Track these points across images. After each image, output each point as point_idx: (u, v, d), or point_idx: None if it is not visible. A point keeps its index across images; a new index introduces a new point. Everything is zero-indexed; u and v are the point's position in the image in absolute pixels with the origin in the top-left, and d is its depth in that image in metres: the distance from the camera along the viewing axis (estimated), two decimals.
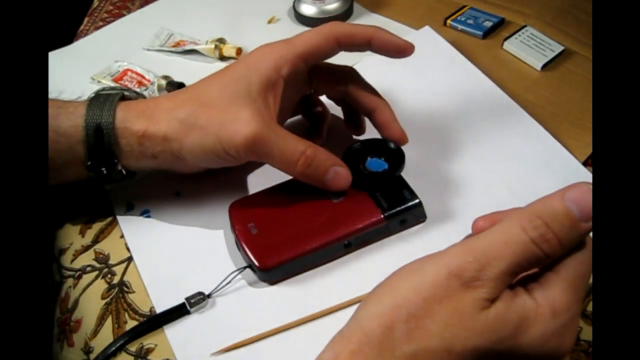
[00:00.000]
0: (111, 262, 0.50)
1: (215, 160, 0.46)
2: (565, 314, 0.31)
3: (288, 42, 0.47)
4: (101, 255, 0.51)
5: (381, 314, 0.31)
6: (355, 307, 0.33)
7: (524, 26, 0.65)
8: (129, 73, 0.66)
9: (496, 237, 0.31)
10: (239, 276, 0.47)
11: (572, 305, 0.31)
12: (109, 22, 0.75)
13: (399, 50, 0.47)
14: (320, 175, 0.46)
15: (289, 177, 0.51)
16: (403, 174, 0.49)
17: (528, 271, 0.32)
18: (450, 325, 0.30)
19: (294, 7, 0.71)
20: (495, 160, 0.53)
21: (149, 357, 0.44)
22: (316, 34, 0.46)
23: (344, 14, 0.70)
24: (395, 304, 0.31)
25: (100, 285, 0.49)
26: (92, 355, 0.45)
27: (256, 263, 0.45)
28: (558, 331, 0.30)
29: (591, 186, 0.31)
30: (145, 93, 0.64)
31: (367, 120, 0.53)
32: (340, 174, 0.46)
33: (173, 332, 0.45)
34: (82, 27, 0.77)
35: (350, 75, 0.51)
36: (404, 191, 0.48)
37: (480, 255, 0.30)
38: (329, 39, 0.46)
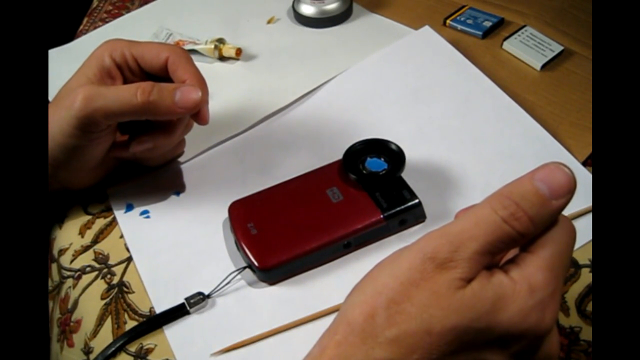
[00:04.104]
0: (111, 262, 0.50)
1: (86, 137, 0.47)
2: (543, 290, 0.31)
3: (130, 41, 0.51)
4: (101, 256, 0.51)
5: (362, 302, 0.32)
6: None
7: (524, 26, 0.65)
8: None
9: (468, 220, 0.32)
10: (239, 276, 0.47)
11: (550, 282, 0.31)
12: (108, 22, 0.75)
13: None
14: (168, 99, 0.46)
15: (289, 178, 0.51)
16: (402, 173, 0.49)
17: (504, 251, 0.33)
18: (428, 306, 0.30)
19: (293, 7, 0.71)
20: (495, 160, 0.53)
21: (148, 358, 0.44)
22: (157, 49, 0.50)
23: (344, 14, 0.70)
24: (375, 291, 0.32)
25: (100, 285, 0.49)
26: (92, 356, 0.45)
27: (256, 263, 0.45)
28: (537, 307, 0.31)
29: (560, 164, 0.32)
30: None
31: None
32: (186, 89, 0.47)
33: (173, 332, 0.45)
34: (81, 27, 0.77)
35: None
36: (403, 191, 0.48)
37: (453, 238, 0.31)
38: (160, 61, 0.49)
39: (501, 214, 0.31)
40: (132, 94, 0.46)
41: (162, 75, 0.50)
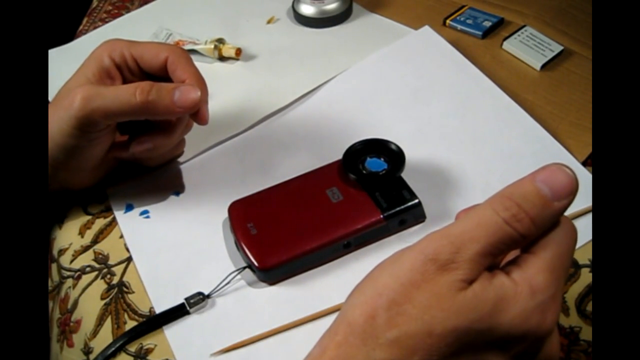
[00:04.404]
0: (110, 262, 0.50)
1: (85, 137, 0.47)
2: (544, 292, 0.31)
3: (130, 41, 0.51)
4: (100, 256, 0.51)
5: (363, 303, 0.32)
6: None
7: (523, 26, 0.65)
8: None
9: (470, 221, 0.32)
10: (239, 276, 0.47)
11: (551, 284, 0.31)
12: (108, 22, 0.75)
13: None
14: (167, 99, 0.46)
15: (289, 178, 0.51)
16: (402, 173, 0.49)
17: (506, 252, 0.33)
18: (429, 308, 0.30)
19: (293, 7, 0.71)
20: (495, 160, 0.53)
21: (148, 358, 0.44)
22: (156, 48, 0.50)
23: (343, 14, 0.70)
24: (375, 292, 0.32)
25: (100, 285, 0.49)
26: (92, 356, 0.45)
27: (255, 263, 0.45)
28: (538, 309, 0.31)
29: (562, 166, 0.31)
30: None
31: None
32: (185, 89, 0.47)
33: (173, 332, 0.45)
34: (81, 27, 0.77)
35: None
36: (403, 191, 0.48)
37: (454, 239, 0.31)
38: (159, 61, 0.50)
39: (503, 215, 0.31)
40: (130, 93, 0.46)
41: (161, 75, 0.50)
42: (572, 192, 0.31)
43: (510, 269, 0.32)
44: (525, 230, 0.31)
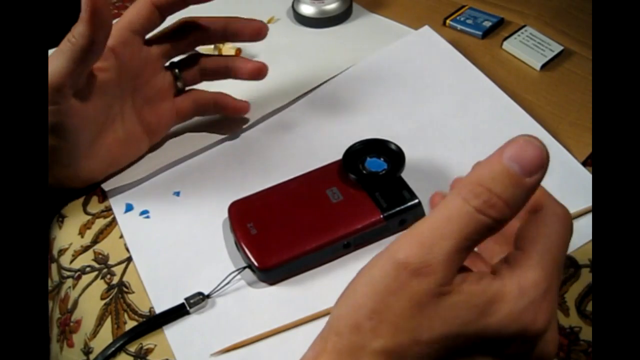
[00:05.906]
0: (110, 262, 0.50)
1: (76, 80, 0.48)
2: (535, 289, 0.30)
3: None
4: (100, 256, 0.51)
5: (346, 314, 0.31)
6: None
7: (523, 26, 0.65)
8: None
9: (439, 215, 0.30)
10: (239, 276, 0.47)
11: (542, 281, 0.30)
12: None
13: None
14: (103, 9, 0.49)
15: (288, 178, 0.51)
16: (402, 173, 0.49)
17: (482, 241, 0.30)
18: (411, 315, 0.29)
19: (293, 8, 0.71)
20: None
21: (148, 358, 0.44)
22: (133, 6, 0.53)
23: (343, 14, 0.70)
24: (356, 303, 0.31)
25: (100, 285, 0.49)
26: (92, 356, 0.45)
27: (255, 263, 0.45)
28: (529, 308, 0.30)
29: (531, 138, 0.30)
30: None
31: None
32: None
33: (172, 332, 0.45)
34: None
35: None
36: (403, 191, 0.48)
37: (424, 239, 0.29)
38: (144, 7, 0.54)
39: (474, 203, 0.29)
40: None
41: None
42: (542, 165, 0.29)
43: (499, 268, 0.31)
44: (499, 214, 0.29)
